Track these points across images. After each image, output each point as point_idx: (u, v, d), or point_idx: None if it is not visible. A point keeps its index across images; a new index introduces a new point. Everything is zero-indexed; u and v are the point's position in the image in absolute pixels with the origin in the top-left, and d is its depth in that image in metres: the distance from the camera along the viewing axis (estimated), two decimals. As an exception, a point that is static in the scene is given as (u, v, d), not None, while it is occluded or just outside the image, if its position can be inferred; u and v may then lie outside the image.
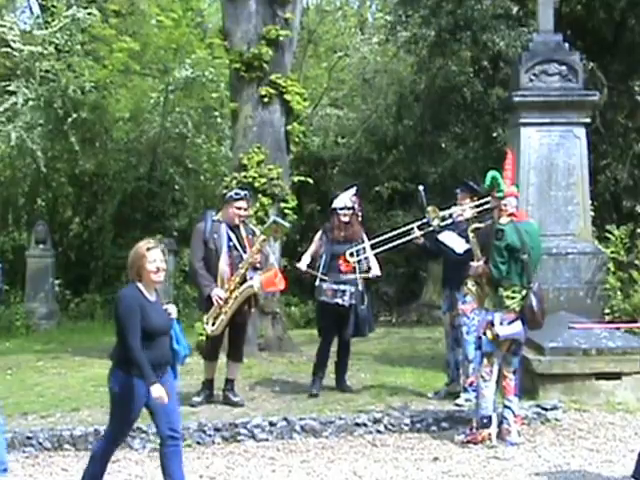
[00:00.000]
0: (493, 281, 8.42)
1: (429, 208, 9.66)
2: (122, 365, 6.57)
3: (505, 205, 8.54)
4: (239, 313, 9.61)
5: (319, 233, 10.63)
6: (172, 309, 6.85)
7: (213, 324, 9.50)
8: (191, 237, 9.86)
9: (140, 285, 6.55)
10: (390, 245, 10.20)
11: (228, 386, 9.93)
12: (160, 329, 6.58)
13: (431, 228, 9.75)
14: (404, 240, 10.04)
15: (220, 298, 9.38)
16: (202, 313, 9.91)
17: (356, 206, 10.45)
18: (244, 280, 9.49)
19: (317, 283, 10.13)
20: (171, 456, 6.61)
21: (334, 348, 10.60)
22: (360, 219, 10.63)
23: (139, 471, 7.92)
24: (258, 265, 9.66)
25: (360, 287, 10.18)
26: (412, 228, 9.92)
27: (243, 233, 9.70)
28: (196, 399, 9.69)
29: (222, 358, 10.07)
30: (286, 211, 13.44)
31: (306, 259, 10.51)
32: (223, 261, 9.50)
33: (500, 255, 8.29)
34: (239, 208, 9.64)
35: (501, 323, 8.37)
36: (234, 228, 9.65)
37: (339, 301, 9.97)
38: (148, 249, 6.53)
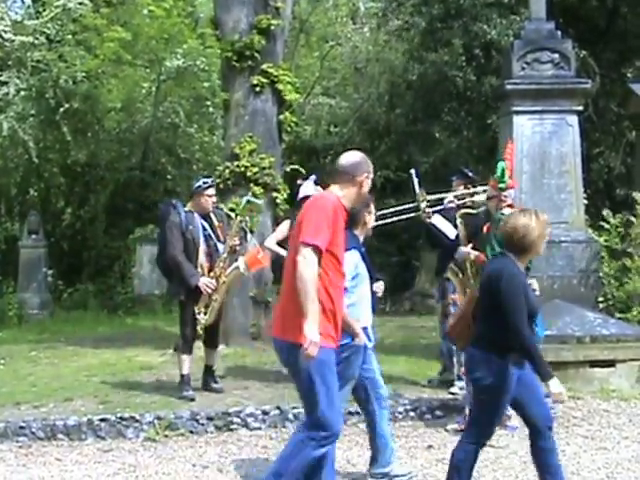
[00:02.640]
0: None
1: (418, 192, 9.67)
2: (498, 350, 5.80)
3: (505, 196, 8.55)
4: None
5: (286, 223, 10.50)
6: (535, 285, 6.36)
7: (205, 314, 9.51)
8: (164, 229, 9.76)
9: (515, 259, 5.97)
10: (398, 218, 10.22)
11: (208, 373, 10.01)
12: (537, 309, 6.02)
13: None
14: (411, 215, 10.02)
15: (209, 287, 9.40)
16: (181, 301, 9.88)
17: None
18: (228, 265, 9.57)
19: None
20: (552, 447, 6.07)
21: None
22: None
23: (132, 460, 7.91)
24: (238, 248, 9.75)
25: None
26: (417, 206, 9.84)
27: (215, 222, 9.75)
28: (187, 393, 9.61)
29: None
30: (278, 200, 13.44)
31: (275, 245, 10.38)
32: (202, 251, 9.54)
33: (500, 246, 8.28)
34: (210, 196, 9.68)
35: None
36: (205, 217, 9.69)
37: None
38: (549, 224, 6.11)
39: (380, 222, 10.22)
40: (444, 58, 20.20)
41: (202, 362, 10.13)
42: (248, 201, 9.89)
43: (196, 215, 9.63)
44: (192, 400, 9.46)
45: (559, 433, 8.42)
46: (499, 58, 17.22)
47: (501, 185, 8.52)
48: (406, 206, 9.94)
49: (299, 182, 10.64)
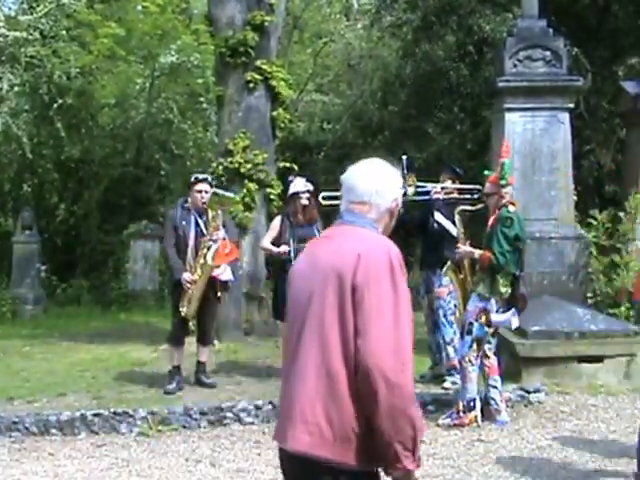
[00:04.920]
0: (495, 268, 8.43)
1: (407, 176, 9.74)
2: None
3: (505, 193, 8.62)
4: (205, 299, 9.71)
5: (278, 219, 10.60)
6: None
7: (187, 307, 9.58)
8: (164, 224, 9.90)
9: None
10: None
11: (200, 368, 10.08)
12: None
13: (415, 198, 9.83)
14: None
15: (188, 281, 9.46)
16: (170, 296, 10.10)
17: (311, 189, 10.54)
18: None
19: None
20: None
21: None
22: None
23: (126, 455, 7.96)
24: (213, 243, 9.68)
25: None
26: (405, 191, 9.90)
27: (210, 218, 9.72)
28: (170, 387, 9.71)
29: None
30: (272, 197, 13.49)
31: (270, 245, 10.47)
32: (190, 247, 9.60)
33: (508, 243, 8.34)
34: (199, 191, 9.64)
35: (497, 310, 8.46)
36: (202, 213, 9.70)
37: None
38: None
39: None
40: (438, 53, 20.27)
41: (195, 357, 10.21)
42: (215, 194, 9.86)
43: (192, 211, 9.68)
44: (169, 394, 9.56)
45: (547, 427, 8.51)
46: (492, 54, 17.28)
47: (502, 182, 8.58)
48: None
49: (290, 178, 10.71)
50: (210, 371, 10.30)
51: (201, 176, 9.85)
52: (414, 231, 10.39)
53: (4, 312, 17.62)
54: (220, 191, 10.16)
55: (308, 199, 10.37)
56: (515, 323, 8.48)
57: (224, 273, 9.82)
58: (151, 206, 21.39)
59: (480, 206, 9.19)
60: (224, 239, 9.79)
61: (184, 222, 9.62)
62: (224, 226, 9.96)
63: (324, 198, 10.19)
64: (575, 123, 13.45)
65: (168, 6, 19.25)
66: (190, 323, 10.09)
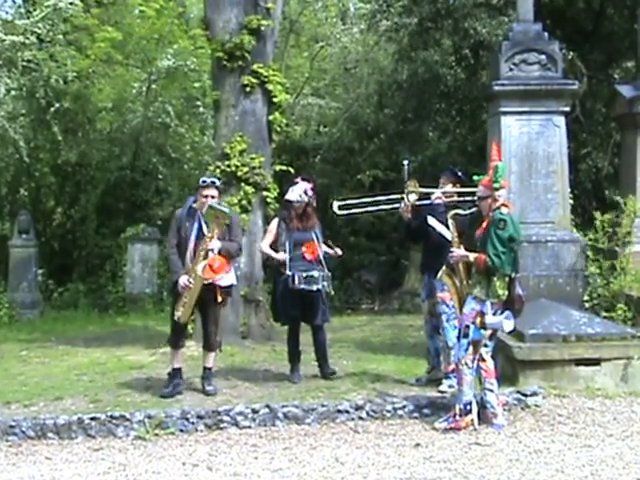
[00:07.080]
0: (490, 270, 8.44)
1: (409, 182, 9.70)
2: None
3: (499, 196, 8.63)
4: (205, 303, 9.68)
5: (275, 222, 10.59)
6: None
7: (180, 311, 9.56)
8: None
9: None
10: (375, 208, 10.31)
11: (204, 374, 9.97)
12: None
13: (416, 203, 9.81)
14: (391, 207, 10.05)
15: (184, 285, 9.43)
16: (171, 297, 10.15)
17: (312, 199, 10.46)
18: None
19: (289, 272, 10.09)
20: None
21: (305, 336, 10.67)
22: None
23: (122, 459, 7.94)
24: (211, 253, 9.57)
25: (326, 270, 10.22)
26: (402, 198, 9.87)
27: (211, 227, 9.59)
28: (166, 390, 9.69)
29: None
30: (268, 200, 13.51)
31: (269, 249, 10.49)
32: (189, 249, 9.53)
33: (503, 245, 8.36)
34: (205, 196, 9.54)
35: (495, 313, 8.46)
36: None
37: (319, 287, 10.03)
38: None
39: (367, 209, 10.41)
40: (434, 57, 20.29)
41: (192, 361, 10.20)
42: (211, 207, 9.72)
43: (198, 212, 9.59)
44: (163, 397, 9.55)
45: (544, 431, 8.52)
46: (488, 57, 17.32)
47: (496, 185, 8.60)
48: (395, 196, 9.98)
49: (296, 181, 10.68)
50: (213, 378, 10.21)
51: (208, 180, 9.70)
52: (415, 234, 10.32)
53: (1, 316, 17.62)
54: (216, 205, 10.10)
55: (302, 208, 10.38)
56: (509, 326, 8.47)
57: (224, 278, 9.70)
58: (148, 209, 21.39)
59: (473, 209, 9.20)
60: (217, 253, 9.72)
61: (187, 223, 9.56)
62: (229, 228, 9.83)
63: (340, 208, 10.18)
64: (571, 127, 13.50)
65: (165, 10, 19.28)
66: (189, 326, 10.03)
